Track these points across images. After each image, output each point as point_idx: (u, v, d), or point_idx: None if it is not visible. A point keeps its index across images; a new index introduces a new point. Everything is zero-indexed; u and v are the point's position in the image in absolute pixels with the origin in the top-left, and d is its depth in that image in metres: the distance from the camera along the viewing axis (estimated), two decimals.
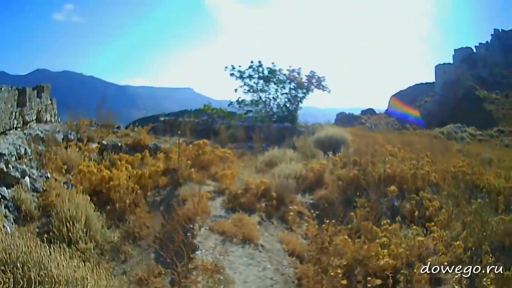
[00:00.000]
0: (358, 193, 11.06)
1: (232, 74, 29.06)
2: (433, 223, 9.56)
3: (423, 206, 10.51)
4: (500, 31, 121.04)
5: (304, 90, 27.83)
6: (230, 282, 7.73)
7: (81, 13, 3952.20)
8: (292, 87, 27.97)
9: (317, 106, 45.38)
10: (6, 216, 9.04)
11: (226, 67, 29.36)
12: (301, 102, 28.13)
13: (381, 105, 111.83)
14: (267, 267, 8.32)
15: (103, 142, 17.87)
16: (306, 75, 27.82)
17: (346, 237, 8.20)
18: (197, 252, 8.41)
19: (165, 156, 15.06)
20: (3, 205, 9.32)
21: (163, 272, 8.03)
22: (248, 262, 8.40)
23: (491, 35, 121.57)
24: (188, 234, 8.74)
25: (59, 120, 21.29)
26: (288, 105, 28.04)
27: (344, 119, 75.81)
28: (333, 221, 9.25)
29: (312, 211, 10.42)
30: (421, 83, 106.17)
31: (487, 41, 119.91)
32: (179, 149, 14.67)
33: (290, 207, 10.75)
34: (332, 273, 7.10)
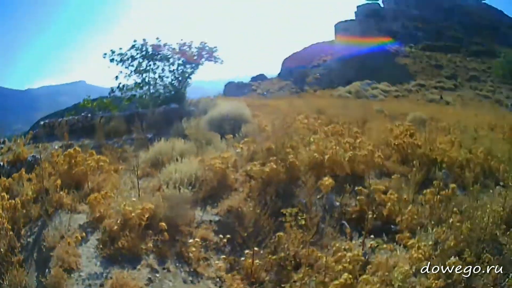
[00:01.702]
0: (281, 194, 8.72)
1: (112, 60, 25.90)
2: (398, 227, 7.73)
3: (374, 201, 8.21)
4: None
5: (193, 65, 25.46)
6: None
7: None
8: (180, 62, 25.47)
9: (205, 80, 43.83)
10: None
11: (105, 54, 26.09)
12: (190, 78, 25.69)
13: (273, 71, 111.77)
14: None
15: None
16: (196, 47, 25.50)
17: None
18: None
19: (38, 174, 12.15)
20: None
21: None
22: None
23: None
24: None
25: None
26: (175, 83, 25.58)
27: (234, 88, 75.52)
28: (255, 248, 7.01)
29: (221, 236, 8.06)
30: (318, 43, 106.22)
31: None
32: (44, 165, 12.01)
33: (190, 240, 7.88)
34: None
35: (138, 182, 10.08)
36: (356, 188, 8.39)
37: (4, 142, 19.02)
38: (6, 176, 13.01)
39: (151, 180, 10.88)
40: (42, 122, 21.80)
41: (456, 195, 8.29)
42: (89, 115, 21.29)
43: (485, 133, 16.65)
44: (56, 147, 16.03)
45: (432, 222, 7.34)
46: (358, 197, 8.14)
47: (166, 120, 18.81)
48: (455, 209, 7.47)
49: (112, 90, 25.91)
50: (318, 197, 8.36)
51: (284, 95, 51.88)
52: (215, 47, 25.49)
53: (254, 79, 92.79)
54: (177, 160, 10.89)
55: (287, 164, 9.26)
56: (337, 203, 8.24)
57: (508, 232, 6.79)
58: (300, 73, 78.73)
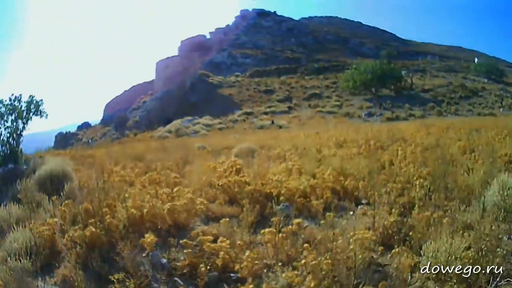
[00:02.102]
0: (106, 258, 7.76)
1: None
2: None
3: (204, 251, 7.21)
4: (251, 10, 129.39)
5: (24, 120, 24.56)
6: None
7: None
8: (13, 118, 24.50)
9: (38, 131, 42.79)
10: None
11: None
12: (21, 135, 24.75)
13: (96, 116, 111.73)
14: None
15: None
16: (25, 101, 24.62)
17: None
18: None
19: None
20: None
21: None
22: None
23: (236, 17, 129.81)
24: None
25: None
26: (11, 141, 24.60)
27: (62, 139, 76.11)
28: None
29: None
30: (139, 84, 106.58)
31: (227, 25, 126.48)
32: None
33: None
34: None
35: None
36: (181, 241, 7.56)
37: None
38: None
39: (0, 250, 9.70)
40: None
41: (304, 228, 7.64)
42: None
43: (332, 151, 16.00)
44: None
45: (280, 264, 6.64)
46: (185, 251, 7.28)
47: (6, 182, 18.07)
48: (305, 244, 6.66)
49: None
50: (144, 255, 7.53)
51: (106, 142, 51.22)
52: (41, 100, 24.81)
53: (79, 127, 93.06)
54: (13, 228, 9.80)
55: (105, 225, 8.38)
56: (164, 260, 7.43)
57: (389, 253, 6.46)
58: (120, 117, 78.19)
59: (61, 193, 12.05)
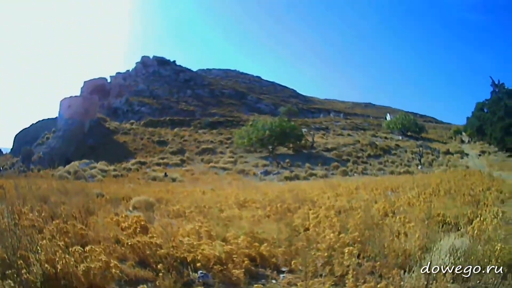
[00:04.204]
0: None
1: None
2: None
3: None
4: (151, 57, 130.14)
5: None
6: None
7: None
8: None
9: None
10: None
11: None
12: None
13: (6, 143, 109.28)
14: None
15: None
16: None
17: None
18: None
19: None
20: None
21: None
22: None
23: (136, 63, 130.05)
24: None
25: None
26: None
27: None
28: None
29: None
30: (45, 119, 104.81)
31: (127, 70, 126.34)
32: None
33: None
34: None
35: None
36: None
37: None
38: None
39: None
40: None
41: None
42: None
43: (236, 212, 15.13)
44: None
45: None
46: None
47: None
48: None
49: None
50: None
51: (14, 173, 49.87)
52: None
53: None
54: None
55: (23, 281, 7.49)
56: None
57: None
58: (27, 151, 76.95)
59: None
